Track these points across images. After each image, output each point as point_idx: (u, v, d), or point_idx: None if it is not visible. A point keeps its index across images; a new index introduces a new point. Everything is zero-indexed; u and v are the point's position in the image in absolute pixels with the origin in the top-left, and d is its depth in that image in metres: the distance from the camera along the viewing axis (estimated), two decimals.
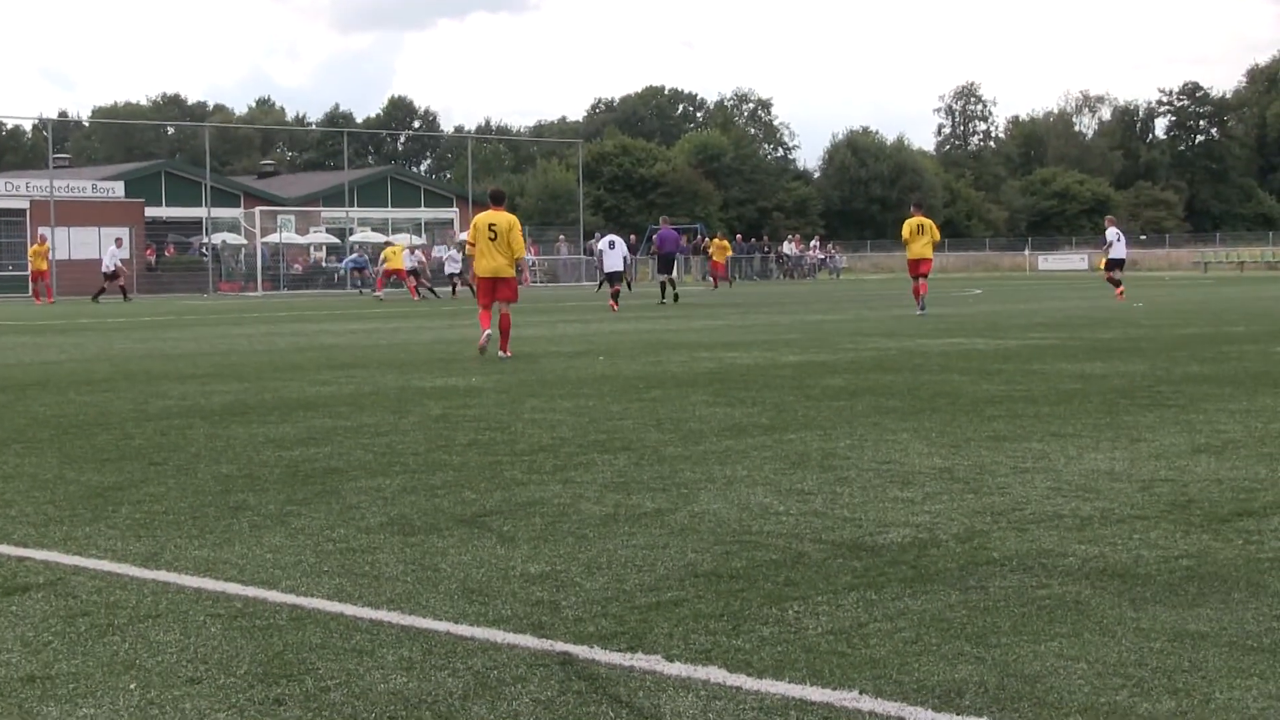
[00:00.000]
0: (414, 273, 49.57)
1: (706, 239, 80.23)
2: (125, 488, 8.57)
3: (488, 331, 18.73)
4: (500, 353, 18.81)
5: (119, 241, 53.86)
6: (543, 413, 12.10)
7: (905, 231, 29.99)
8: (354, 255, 62.80)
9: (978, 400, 12.77)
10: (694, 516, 7.47)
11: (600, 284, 50.67)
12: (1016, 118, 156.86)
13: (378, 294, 47.64)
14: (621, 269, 37.54)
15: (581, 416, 11.81)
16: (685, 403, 12.77)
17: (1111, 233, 39.08)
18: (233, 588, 6.03)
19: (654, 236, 41.85)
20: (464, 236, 52.39)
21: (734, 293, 50.52)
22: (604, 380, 15.14)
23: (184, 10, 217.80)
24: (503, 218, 18.98)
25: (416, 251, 50.55)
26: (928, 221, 29.91)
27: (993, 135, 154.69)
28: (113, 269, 49.54)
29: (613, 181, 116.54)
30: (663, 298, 39.75)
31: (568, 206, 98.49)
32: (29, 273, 51.39)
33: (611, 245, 37.77)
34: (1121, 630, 5.23)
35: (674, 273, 41.64)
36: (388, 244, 53.18)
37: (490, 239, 18.83)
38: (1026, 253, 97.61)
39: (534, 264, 71.61)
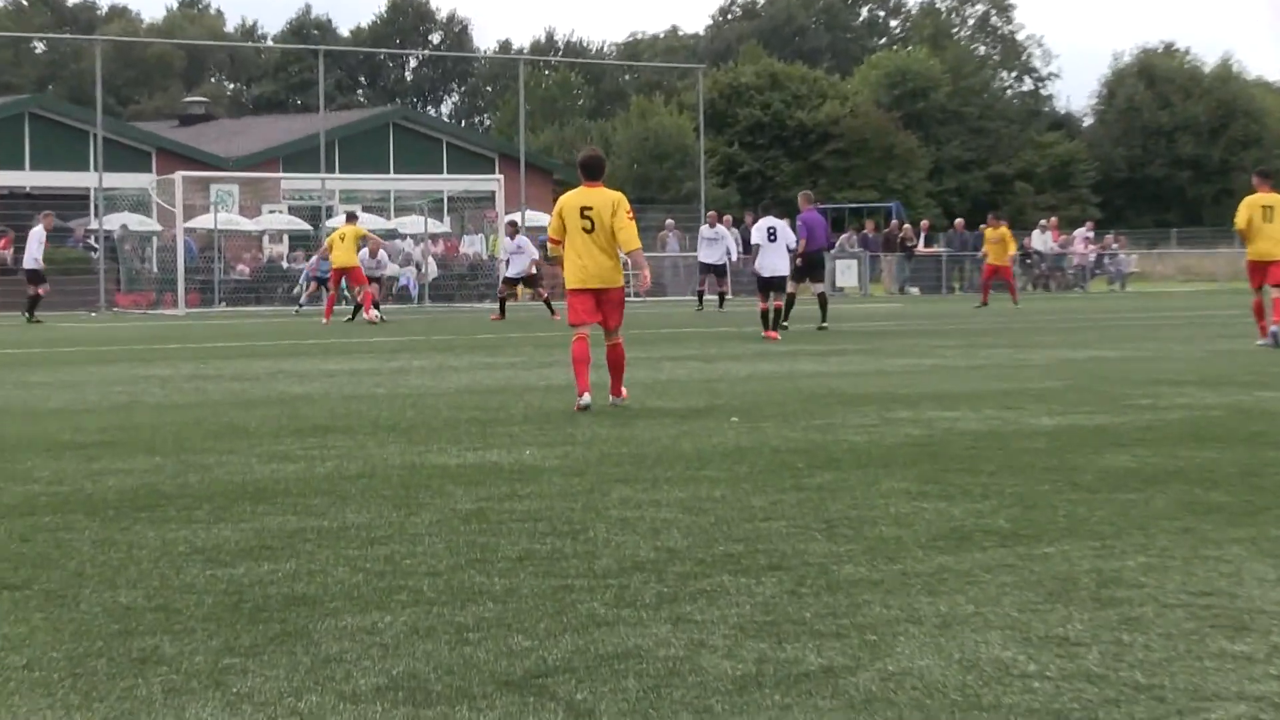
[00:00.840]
0: (375, 280, 49.41)
1: (903, 223, 79.96)
2: None
3: (586, 392, 19.44)
4: (613, 398, 19.68)
5: (47, 220, 53.76)
6: (639, 508, 12.15)
7: (1242, 216, 29.67)
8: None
9: None
10: (888, 679, 7.45)
11: (722, 297, 50.22)
12: None
13: (299, 303, 46.63)
14: (786, 273, 37.20)
15: (703, 515, 11.84)
16: (872, 493, 12.80)
17: None
18: None
19: (799, 223, 40.65)
20: (519, 219, 52.44)
21: (953, 314, 50.40)
22: (739, 456, 15.18)
23: None
24: (602, 197, 19.45)
25: (382, 252, 49.82)
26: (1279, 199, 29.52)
27: None
28: (36, 265, 50.08)
29: (753, 131, 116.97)
30: (823, 319, 39.48)
31: (680, 172, 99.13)
32: None
33: (771, 235, 37.17)
34: None
35: (827, 281, 41.29)
36: (349, 218, 50.36)
37: (585, 230, 19.33)
38: None
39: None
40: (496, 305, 52.03)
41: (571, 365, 19.71)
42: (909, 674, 7.53)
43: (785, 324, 38.46)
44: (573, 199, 19.54)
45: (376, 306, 47.08)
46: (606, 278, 19.30)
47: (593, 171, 19.66)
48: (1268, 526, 11.19)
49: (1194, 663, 7.69)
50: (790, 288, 39.46)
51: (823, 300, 40.60)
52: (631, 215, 19.56)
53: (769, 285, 36.61)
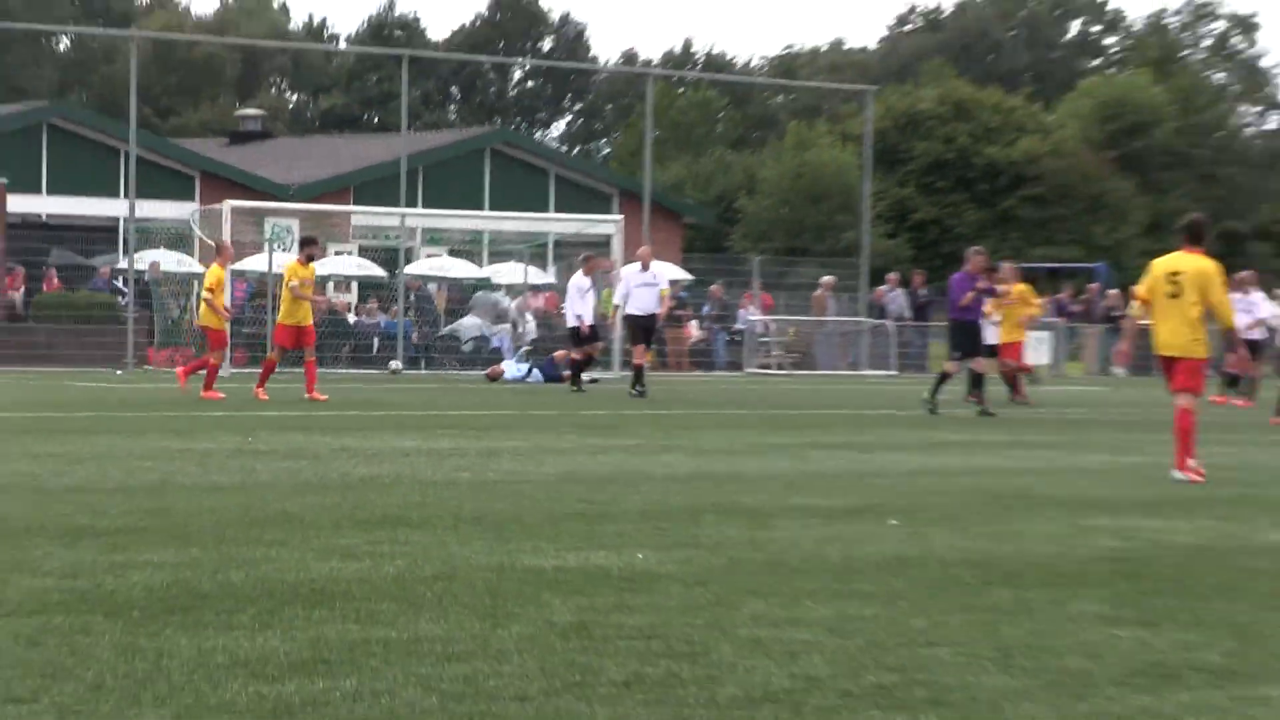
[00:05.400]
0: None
1: (1109, 289, 79.37)
2: None
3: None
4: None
5: (598, 265, 51.85)
6: (774, 627, 12.24)
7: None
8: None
9: None
10: None
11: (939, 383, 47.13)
12: None
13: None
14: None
15: (850, 637, 11.93)
16: (1060, 616, 12.87)
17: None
18: None
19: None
20: (625, 271, 52.06)
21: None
22: (897, 567, 15.25)
23: None
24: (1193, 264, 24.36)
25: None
26: None
27: None
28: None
29: (932, 170, 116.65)
30: (979, 400, 40.98)
31: (840, 217, 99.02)
32: None
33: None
34: None
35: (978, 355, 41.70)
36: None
37: (1171, 295, 24.39)
38: None
39: (769, 328, 71.75)
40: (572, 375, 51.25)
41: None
42: None
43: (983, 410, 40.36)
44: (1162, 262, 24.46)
45: None
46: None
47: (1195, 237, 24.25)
48: None
49: None
50: (950, 367, 41.50)
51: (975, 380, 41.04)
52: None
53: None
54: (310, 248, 43.73)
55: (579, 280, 48.79)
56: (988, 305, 41.69)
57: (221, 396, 40.51)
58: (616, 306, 47.21)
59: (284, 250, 70.25)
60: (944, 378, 40.99)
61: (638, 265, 47.49)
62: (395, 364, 60.92)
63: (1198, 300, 24.95)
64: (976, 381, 40.62)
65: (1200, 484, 23.91)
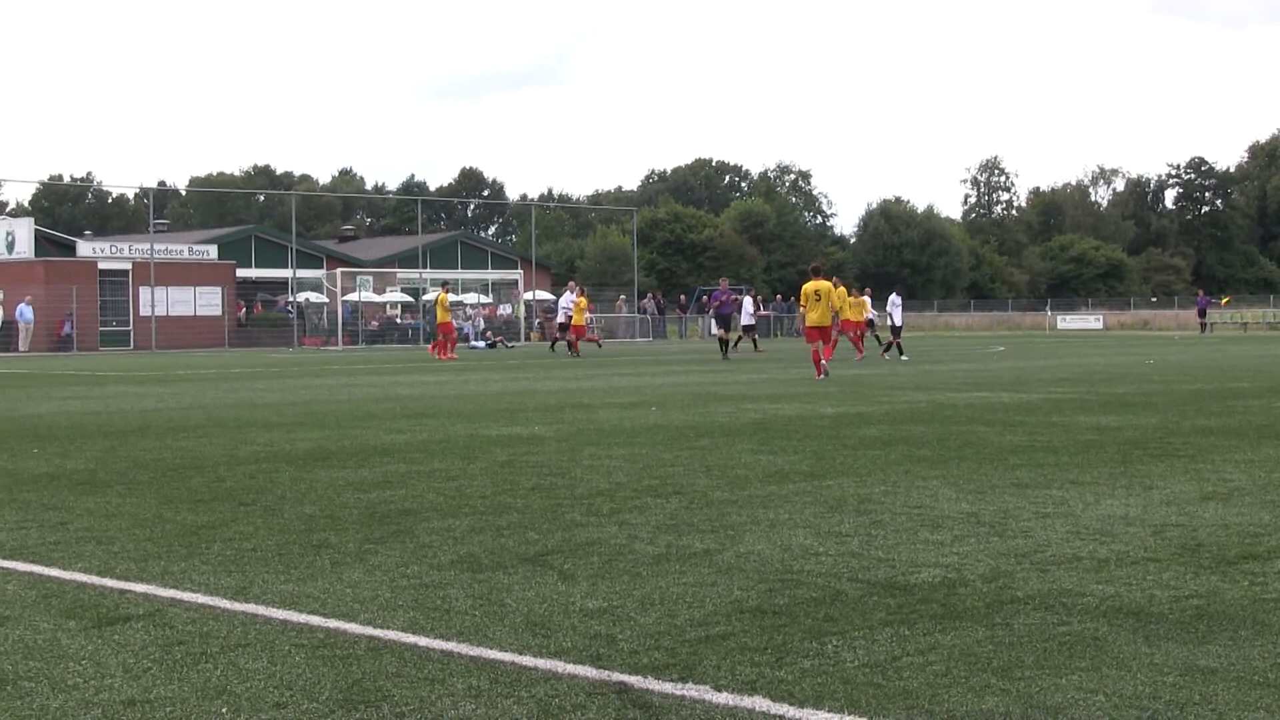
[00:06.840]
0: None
1: (747, 296, 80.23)
2: (217, 526, 8.61)
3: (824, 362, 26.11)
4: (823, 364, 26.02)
5: (572, 286, 49.61)
6: (600, 459, 12.10)
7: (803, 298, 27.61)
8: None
9: (1002, 450, 12.70)
10: (740, 556, 7.45)
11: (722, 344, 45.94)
12: (1037, 188, 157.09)
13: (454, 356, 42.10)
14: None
15: (636, 463, 11.80)
16: (731, 450, 12.75)
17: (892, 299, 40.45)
18: (315, 620, 6.06)
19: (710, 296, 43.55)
20: (530, 296, 51.84)
21: (775, 349, 50.30)
22: (656, 430, 15.13)
23: (273, 87, 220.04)
24: (822, 285, 26.75)
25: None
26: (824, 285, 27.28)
27: (1015, 205, 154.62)
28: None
29: (665, 246, 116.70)
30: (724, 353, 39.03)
31: (623, 268, 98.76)
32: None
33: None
34: (1136, 665, 5.20)
35: (730, 330, 42.06)
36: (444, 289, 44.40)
37: (816, 300, 26.62)
38: (1046, 313, 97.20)
39: (591, 321, 71.68)
40: (550, 343, 50.39)
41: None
42: (752, 553, 7.54)
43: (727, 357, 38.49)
44: (808, 285, 26.72)
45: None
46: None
47: (817, 273, 27.50)
48: (952, 469, 11.21)
49: (911, 546, 7.71)
50: (721, 335, 41.11)
51: (723, 340, 40.45)
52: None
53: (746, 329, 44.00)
54: (448, 286, 45.40)
55: (560, 298, 49.86)
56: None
57: (450, 358, 40.27)
58: (564, 309, 46.53)
59: (367, 292, 69.90)
60: (722, 342, 39.64)
61: (567, 290, 47.37)
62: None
63: (826, 301, 26.79)
64: (724, 343, 39.65)
65: (820, 380, 24.35)
